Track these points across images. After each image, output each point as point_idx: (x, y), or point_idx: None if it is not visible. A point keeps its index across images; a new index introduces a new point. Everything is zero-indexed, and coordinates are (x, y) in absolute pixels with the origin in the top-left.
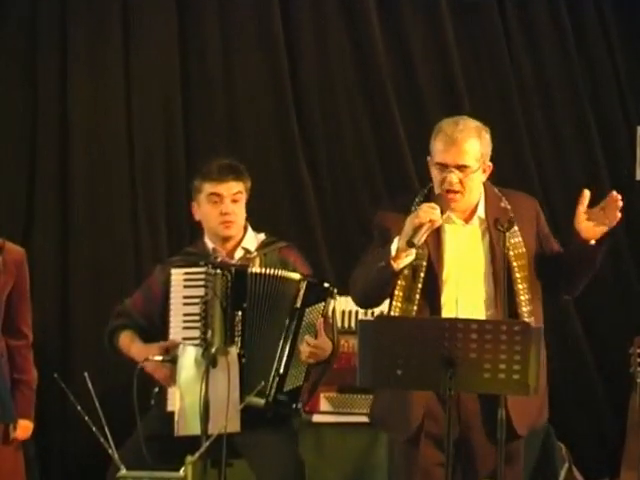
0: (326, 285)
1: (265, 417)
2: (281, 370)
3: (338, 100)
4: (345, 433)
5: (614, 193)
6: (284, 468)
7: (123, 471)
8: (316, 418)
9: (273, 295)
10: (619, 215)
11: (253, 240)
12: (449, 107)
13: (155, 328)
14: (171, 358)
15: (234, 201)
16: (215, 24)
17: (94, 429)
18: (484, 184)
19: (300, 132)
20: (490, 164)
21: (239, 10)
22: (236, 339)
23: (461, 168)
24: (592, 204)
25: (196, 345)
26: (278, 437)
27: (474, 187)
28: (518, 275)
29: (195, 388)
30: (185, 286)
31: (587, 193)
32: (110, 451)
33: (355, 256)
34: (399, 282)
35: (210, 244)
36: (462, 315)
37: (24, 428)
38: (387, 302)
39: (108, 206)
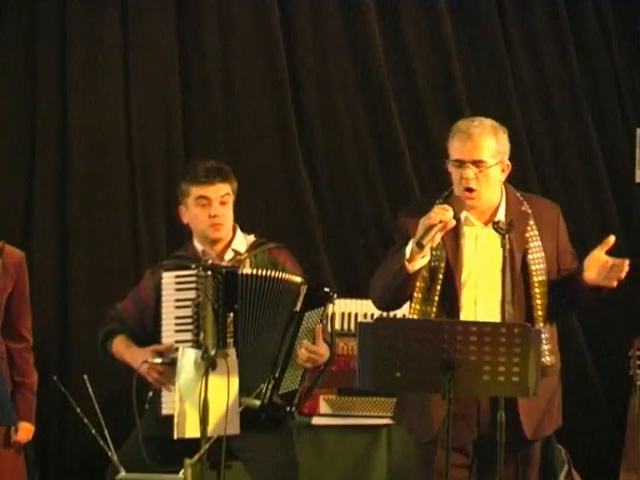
0: (326, 290)
1: (260, 419)
2: (277, 372)
3: (337, 101)
4: (344, 435)
5: (627, 261)
6: (279, 470)
7: (122, 473)
8: (315, 420)
9: (269, 296)
10: (616, 282)
11: (243, 241)
12: (448, 108)
13: (146, 332)
14: (170, 361)
15: (222, 203)
16: (214, 25)
17: (93, 431)
18: (505, 186)
19: (299, 133)
20: (509, 163)
21: (238, 11)
22: (228, 340)
23: (477, 163)
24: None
25: (189, 347)
26: (273, 439)
27: (490, 185)
28: (535, 280)
29: (195, 391)
30: (177, 289)
31: (612, 239)
32: (109, 453)
33: (353, 258)
34: (418, 284)
35: (199, 247)
36: (481, 317)
37: (25, 431)
38: (408, 304)
39: (107, 207)
